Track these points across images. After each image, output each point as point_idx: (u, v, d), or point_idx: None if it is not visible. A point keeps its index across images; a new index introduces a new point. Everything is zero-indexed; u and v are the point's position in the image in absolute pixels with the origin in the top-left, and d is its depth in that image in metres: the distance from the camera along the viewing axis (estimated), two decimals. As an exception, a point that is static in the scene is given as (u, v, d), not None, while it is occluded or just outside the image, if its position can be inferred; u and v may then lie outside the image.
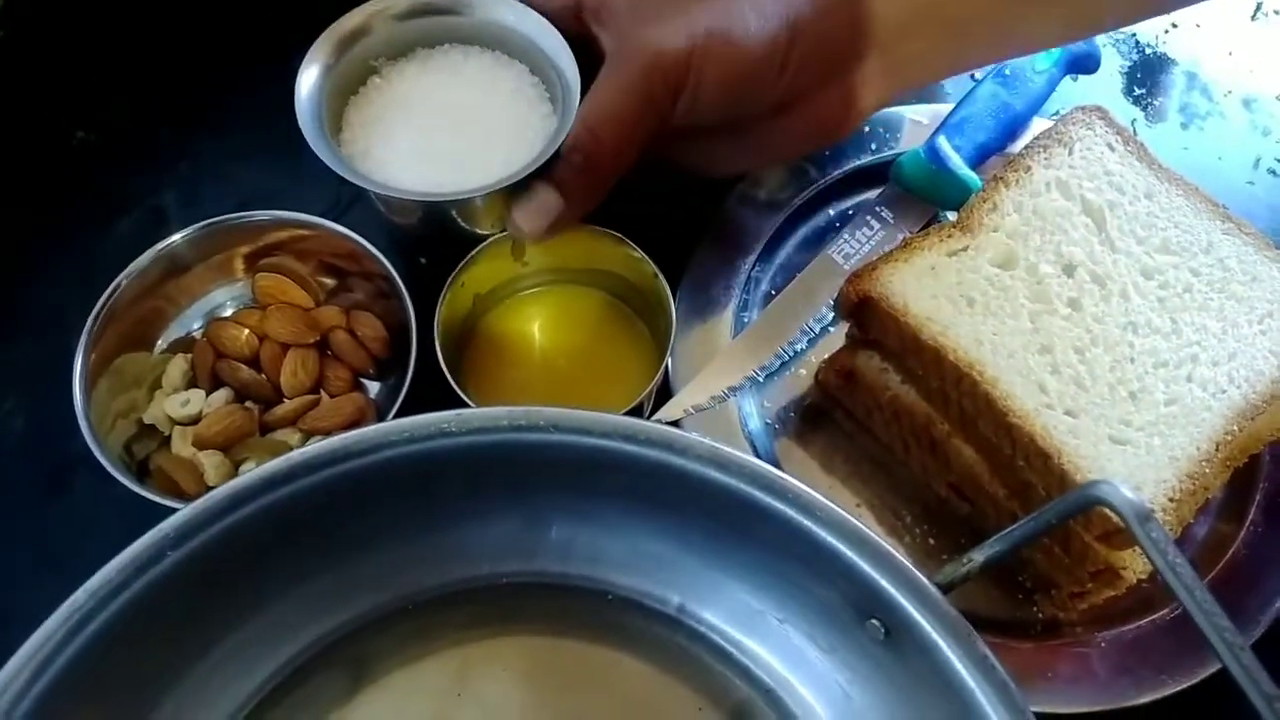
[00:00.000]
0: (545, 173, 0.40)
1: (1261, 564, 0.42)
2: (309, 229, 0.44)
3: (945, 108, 0.50)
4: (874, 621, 0.33)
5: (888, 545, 0.31)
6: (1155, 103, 0.58)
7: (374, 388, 0.45)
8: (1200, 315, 0.40)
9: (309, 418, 0.43)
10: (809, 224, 0.50)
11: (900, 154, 0.49)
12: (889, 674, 0.34)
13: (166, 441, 0.43)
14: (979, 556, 0.31)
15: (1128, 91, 0.58)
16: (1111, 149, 0.44)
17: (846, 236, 0.48)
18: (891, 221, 0.48)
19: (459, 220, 0.44)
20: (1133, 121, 0.57)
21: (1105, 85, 0.58)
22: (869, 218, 0.48)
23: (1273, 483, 0.43)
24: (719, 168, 0.45)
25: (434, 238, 0.46)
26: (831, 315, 0.47)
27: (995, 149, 0.50)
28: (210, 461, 0.42)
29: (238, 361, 0.44)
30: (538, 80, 0.44)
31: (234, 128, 0.53)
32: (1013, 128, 0.50)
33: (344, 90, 0.44)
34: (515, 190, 0.41)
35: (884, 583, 0.32)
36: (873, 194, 0.50)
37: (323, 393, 0.44)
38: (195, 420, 0.43)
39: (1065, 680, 0.40)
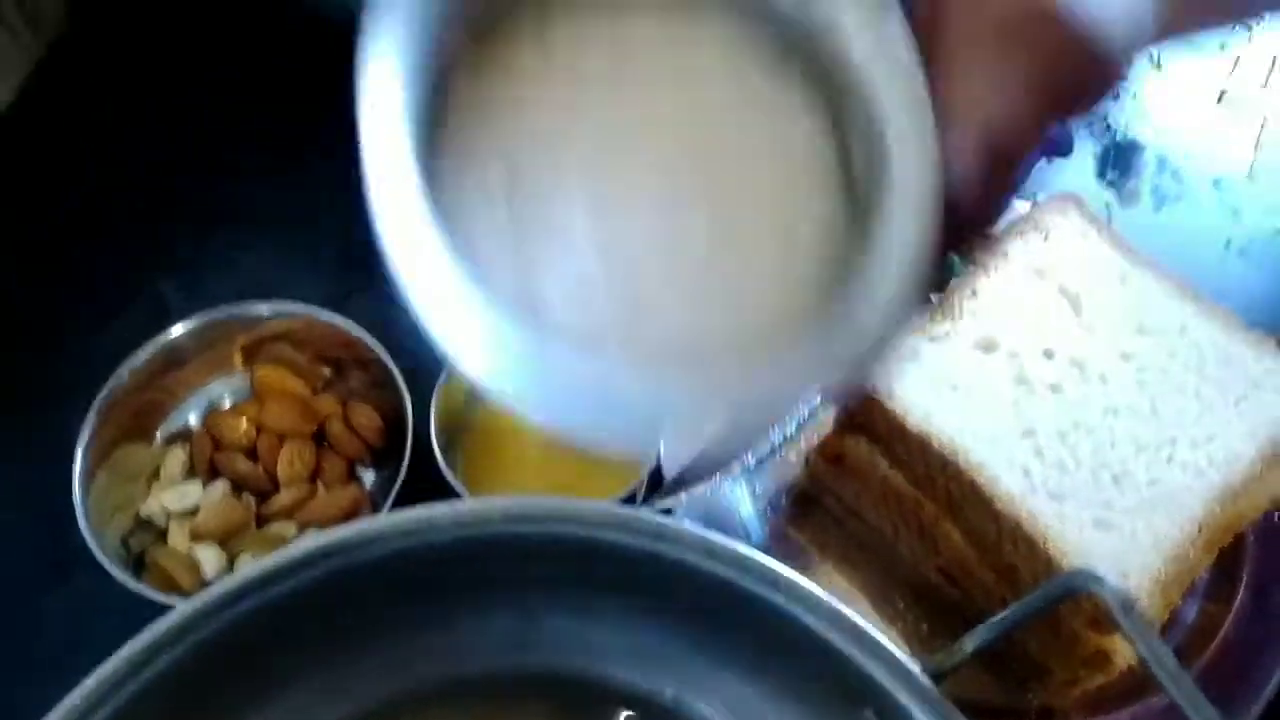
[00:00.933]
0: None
1: (1251, 649, 0.42)
2: (307, 319, 0.45)
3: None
4: (868, 712, 0.33)
5: (879, 634, 0.32)
6: (1128, 185, 0.60)
7: (370, 477, 0.46)
8: (1178, 397, 0.41)
9: (305, 510, 0.43)
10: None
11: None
12: (884, 764, 0.33)
13: (164, 535, 0.43)
14: (969, 645, 0.31)
15: (1100, 174, 0.60)
16: (1084, 236, 0.45)
17: (832, 321, 0.49)
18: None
19: None
20: (1106, 204, 0.59)
21: (1078, 167, 0.60)
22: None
23: (1258, 563, 0.44)
24: None
25: None
26: (819, 400, 0.47)
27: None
28: (206, 555, 0.42)
29: (235, 452, 0.44)
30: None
31: (238, 215, 0.54)
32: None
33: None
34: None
35: (876, 673, 0.32)
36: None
37: (319, 484, 0.45)
38: (193, 513, 0.43)
39: (1062, 766, 0.39)
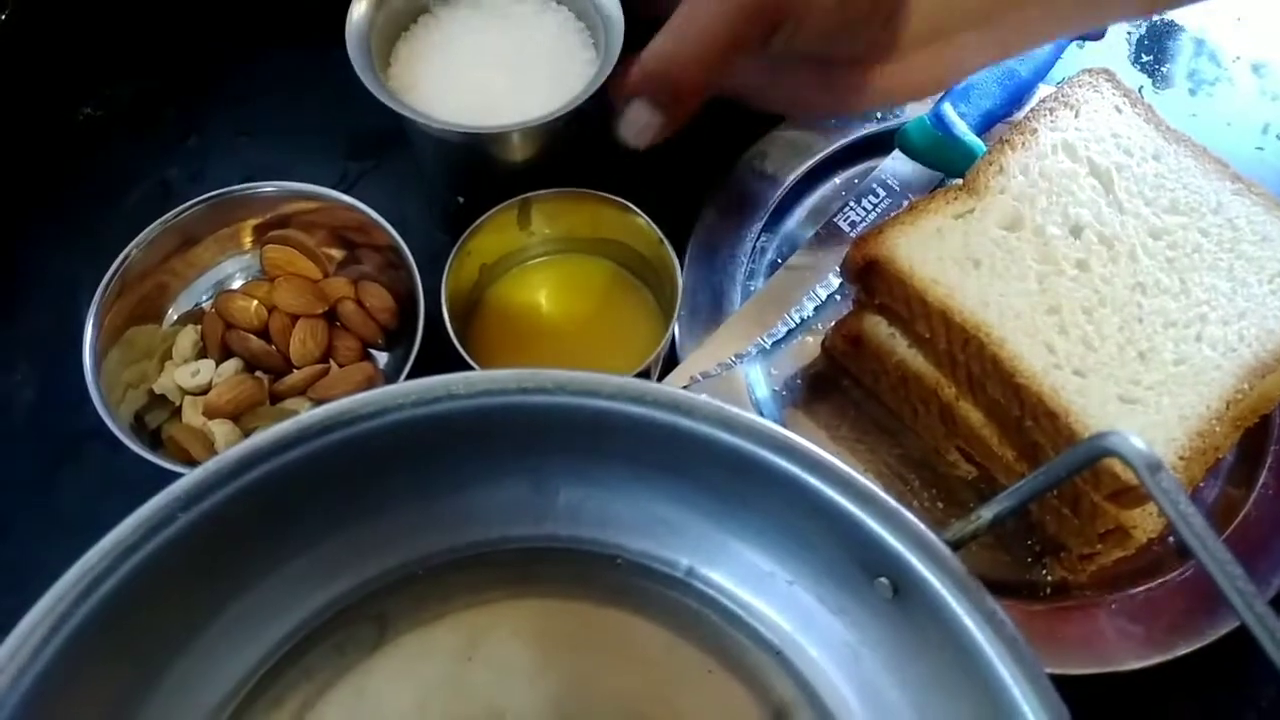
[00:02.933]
0: (582, 115, 0.40)
1: (1273, 526, 0.42)
2: (317, 201, 0.44)
3: (951, 75, 0.50)
4: (883, 580, 0.33)
5: (895, 501, 0.31)
6: (1163, 69, 0.57)
7: (382, 358, 0.45)
8: (1209, 275, 0.39)
9: (318, 386, 0.43)
10: (815, 193, 0.50)
11: (905, 122, 0.49)
12: (898, 633, 0.34)
13: (177, 412, 0.43)
14: (988, 513, 0.31)
15: (1135, 58, 0.58)
16: (1119, 111, 0.43)
17: (852, 204, 0.48)
18: (897, 189, 0.48)
19: (497, 157, 0.44)
20: (1140, 88, 0.56)
21: (1112, 52, 0.57)
22: (875, 186, 0.48)
23: (1284, 444, 0.43)
24: (800, 108, 0.44)
25: (472, 176, 0.47)
26: (838, 283, 0.46)
27: (1001, 116, 0.49)
28: (220, 430, 0.42)
29: (247, 332, 0.44)
30: (583, 26, 0.45)
31: (242, 103, 0.53)
32: (1019, 94, 0.50)
33: (395, 26, 0.45)
34: (552, 128, 0.41)
35: (892, 540, 0.32)
36: (878, 162, 0.49)
37: (332, 363, 0.45)
38: (205, 390, 0.43)
39: (1075, 642, 0.40)
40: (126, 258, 0.42)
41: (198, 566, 0.31)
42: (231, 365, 0.44)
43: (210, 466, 0.31)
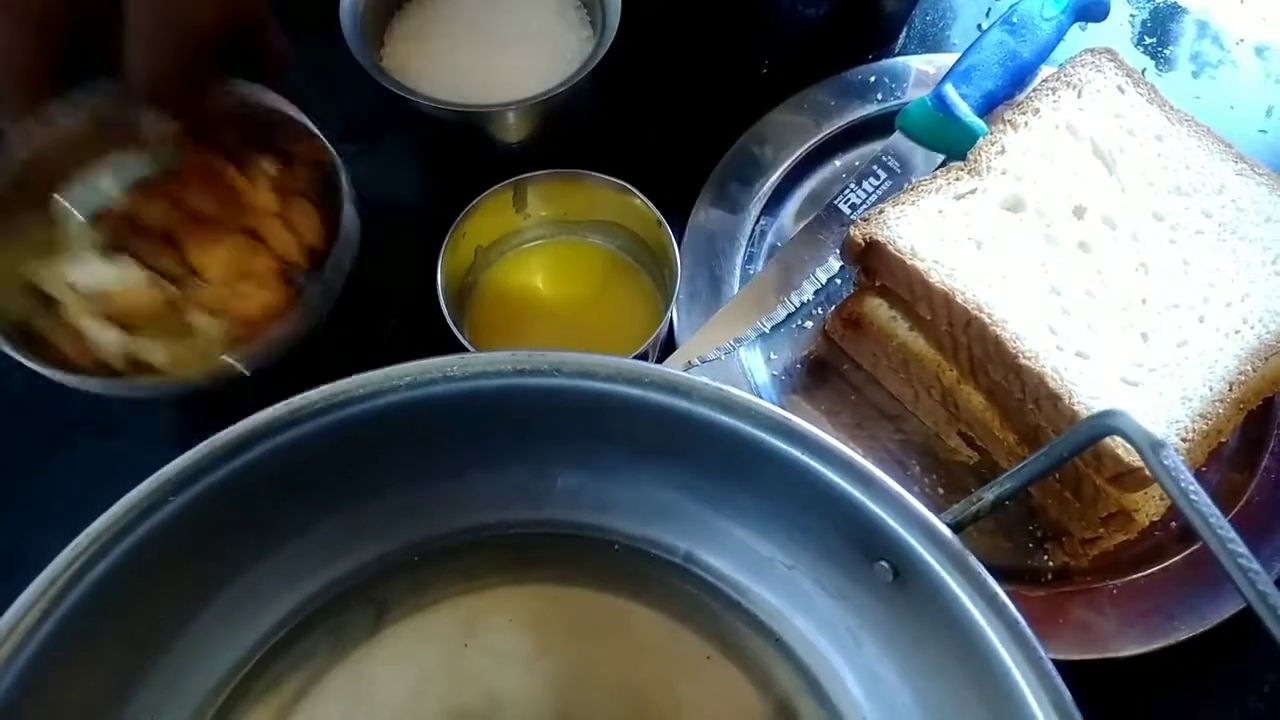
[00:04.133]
0: (579, 94, 0.41)
1: (1275, 511, 0.41)
2: (253, 99, 0.39)
3: (951, 57, 0.50)
4: (882, 563, 0.32)
5: (895, 484, 0.31)
6: (1166, 51, 0.57)
7: (302, 281, 0.40)
8: (1213, 256, 0.39)
9: (227, 306, 0.38)
10: (815, 175, 0.49)
11: (906, 104, 0.48)
12: (898, 617, 0.33)
13: (53, 308, 0.38)
14: (989, 495, 0.31)
15: (1138, 40, 0.57)
16: (1121, 91, 0.43)
17: (853, 186, 0.47)
18: (899, 171, 0.47)
19: (492, 136, 0.44)
20: (1143, 70, 0.56)
21: (1114, 34, 0.57)
22: (876, 168, 0.48)
23: (1287, 428, 0.43)
24: None
25: (467, 156, 0.47)
26: (838, 267, 0.46)
27: (1003, 97, 0.49)
28: (106, 336, 0.37)
29: (153, 237, 0.38)
30: (579, 4, 0.46)
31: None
32: (1020, 76, 0.49)
33: (389, 5, 0.45)
34: (548, 107, 0.41)
35: (892, 522, 0.31)
36: (879, 144, 0.49)
37: (246, 282, 0.39)
38: (100, 295, 0.38)
39: (1077, 628, 0.39)
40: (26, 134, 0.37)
41: (190, 550, 0.31)
42: (134, 271, 0.38)
43: (202, 450, 0.31)
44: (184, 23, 0.34)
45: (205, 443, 0.31)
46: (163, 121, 0.36)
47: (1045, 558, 0.41)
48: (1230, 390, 0.37)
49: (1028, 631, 0.30)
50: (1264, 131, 0.54)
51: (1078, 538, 0.39)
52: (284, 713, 0.34)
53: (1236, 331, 0.38)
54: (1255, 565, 0.25)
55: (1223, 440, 0.40)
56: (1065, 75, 0.43)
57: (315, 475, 0.32)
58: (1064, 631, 0.39)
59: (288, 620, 0.35)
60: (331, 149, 0.39)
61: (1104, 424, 0.27)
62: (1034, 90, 0.43)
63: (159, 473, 0.30)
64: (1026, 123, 0.42)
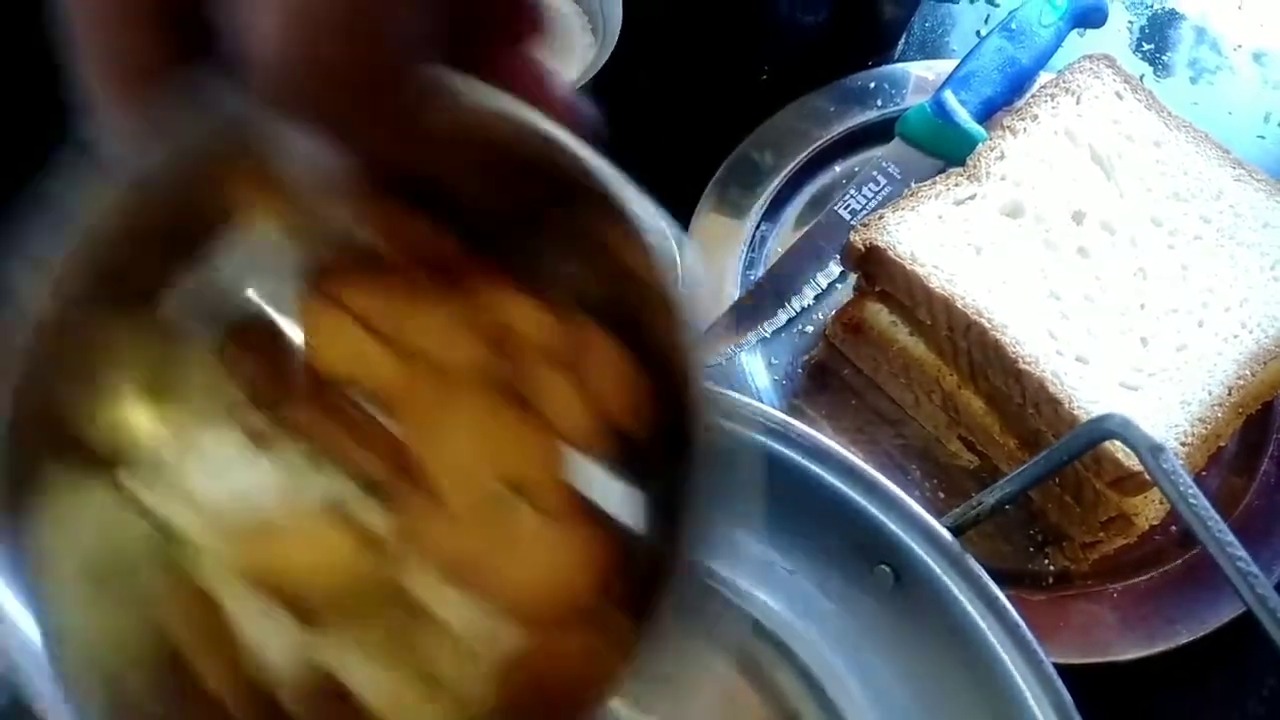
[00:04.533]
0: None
1: (1275, 515, 0.41)
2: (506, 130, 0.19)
3: (950, 64, 0.50)
4: (883, 567, 0.33)
5: (895, 488, 0.31)
6: (1164, 58, 0.57)
7: (605, 492, 0.21)
8: (1211, 261, 0.39)
9: (481, 566, 0.19)
10: (816, 181, 0.50)
11: (906, 110, 0.49)
12: (900, 621, 0.33)
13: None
14: (990, 498, 0.31)
15: (1136, 47, 0.57)
16: (1119, 97, 0.43)
17: (853, 192, 0.47)
18: (898, 177, 0.48)
19: None
20: (1141, 77, 0.56)
21: (1113, 40, 0.57)
22: (875, 174, 0.48)
23: (1286, 432, 0.43)
24: None
25: None
26: (839, 272, 0.46)
27: (1002, 103, 0.49)
28: (272, 639, 0.19)
29: (361, 398, 0.20)
30: (580, 10, 0.45)
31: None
32: (1019, 82, 0.49)
33: None
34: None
35: (893, 526, 0.31)
36: (879, 150, 0.49)
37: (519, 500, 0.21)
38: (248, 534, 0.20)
39: (1078, 631, 0.39)
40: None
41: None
42: (314, 480, 0.20)
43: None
44: None
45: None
46: (328, 159, 0.17)
47: (1046, 562, 0.41)
48: (1229, 395, 0.37)
49: (1028, 634, 0.30)
50: (1262, 137, 0.55)
51: (1078, 542, 0.40)
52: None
53: (1235, 336, 0.38)
54: (1254, 569, 0.25)
55: (1222, 445, 0.40)
56: (1064, 81, 0.44)
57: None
58: (1065, 635, 0.39)
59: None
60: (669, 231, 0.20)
61: (1103, 428, 0.28)
62: (1033, 96, 0.44)
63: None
64: (1025, 129, 0.42)
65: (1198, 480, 0.41)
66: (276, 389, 0.20)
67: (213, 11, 0.16)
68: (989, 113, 0.49)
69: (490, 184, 0.20)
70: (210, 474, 0.19)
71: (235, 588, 0.19)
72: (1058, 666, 0.38)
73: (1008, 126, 0.42)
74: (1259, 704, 0.41)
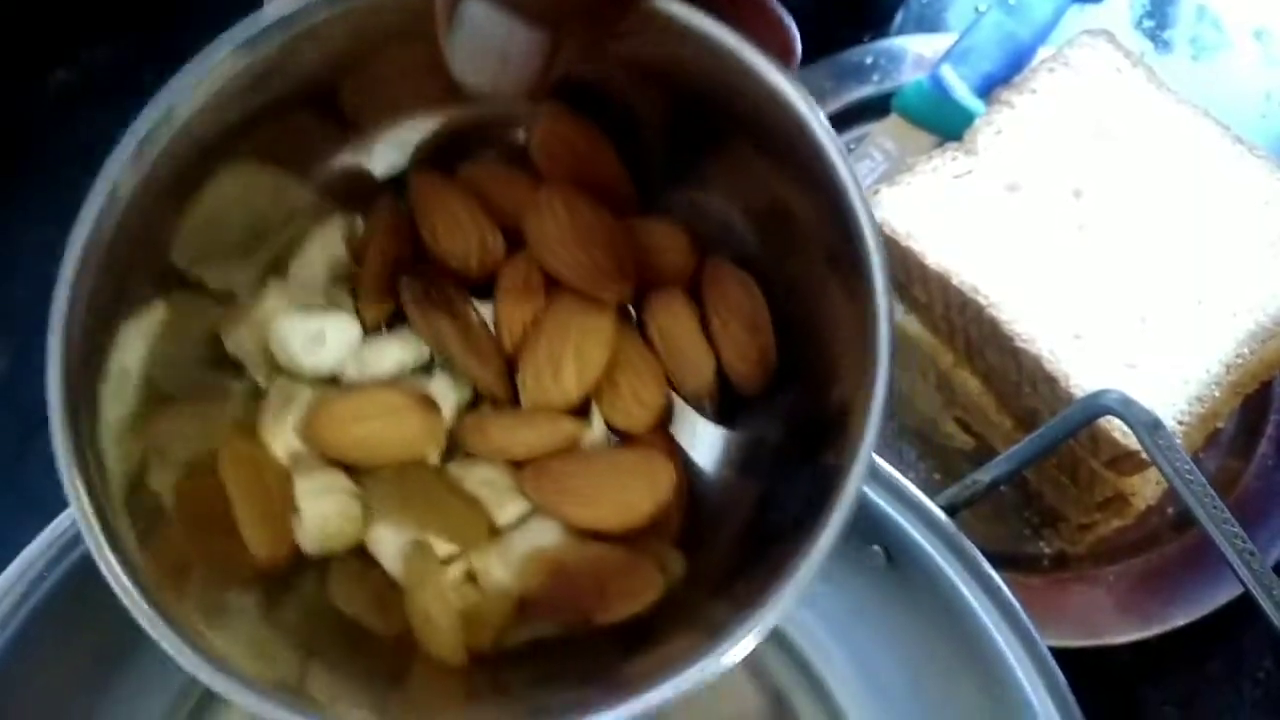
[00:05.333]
0: None
1: (1272, 496, 0.41)
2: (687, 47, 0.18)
3: (949, 38, 0.49)
4: (875, 548, 0.32)
5: (889, 466, 0.31)
6: (1165, 34, 0.56)
7: (705, 437, 0.22)
8: (1211, 239, 0.39)
9: (548, 468, 0.20)
10: (810, 158, 0.49)
11: (903, 85, 0.48)
12: (892, 602, 0.33)
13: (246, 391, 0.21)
14: (985, 476, 0.31)
15: (1137, 23, 0.57)
16: (1119, 73, 0.42)
17: (848, 169, 0.47)
18: (895, 153, 0.47)
19: None
20: (1142, 54, 0.55)
21: (1113, 16, 0.56)
22: (872, 149, 0.47)
23: (1285, 413, 0.42)
24: None
25: None
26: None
27: (1001, 79, 0.48)
28: (311, 486, 0.20)
29: (457, 281, 0.21)
30: None
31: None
32: (1018, 57, 0.49)
33: None
34: None
35: (885, 506, 0.31)
36: (875, 126, 0.48)
37: (596, 413, 0.21)
38: (329, 379, 0.21)
39: (1073, 615, 0.39)
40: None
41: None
42: (395, 353, 0.21)
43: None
44: None
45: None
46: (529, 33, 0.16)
47: (1042, 544, 0.41)
48: (1227, 373, 0.36)
49: (1022, 615, 0.30)
50: (1264, 116, 0.54)
51: (1074, 523, 0.39)
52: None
53: (1234, 314, 0.37)
54: (1251, 546, 0.25)
55: (1219, 425, 0.40)
56: (1063, 57, 0.43)
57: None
58: (1061, 618, 0.39)
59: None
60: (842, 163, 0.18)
61: (1100, 404, 0.27)
62: (1031, 71, 0.43)
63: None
64: (1024, 104, 0.41)
65: (1196, 462, 0.41)
66: (376, 263, 0.21)
67: None
68: (987, 88, 0.48)
69: (666, 104, 0.20)
70: (298, 332, 0.20)
71: (287, 435, 0.20)
72: (1053, 649, 0.38)
73: (1006, 102, 0.41)
74: (1255, 686, 0.41)
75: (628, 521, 0.20)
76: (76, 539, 0.29)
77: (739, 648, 0.17)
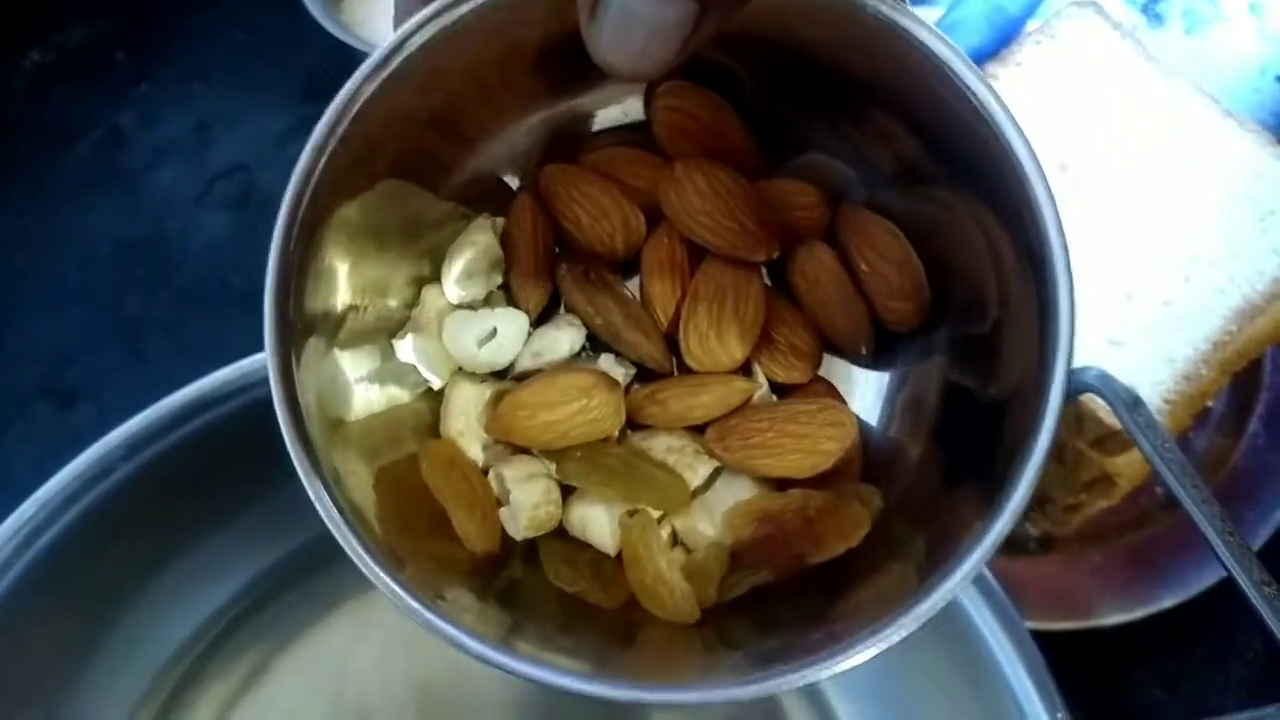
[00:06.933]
0: None
1: (1261, 475, 0.40)
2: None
3: (936, 13, 0.48)
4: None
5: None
6: (1157, 8, 0.55)
7: (861, 381, 0.23)
8: (1200, 214, 0.38)
9: (724, 428, 0.21)
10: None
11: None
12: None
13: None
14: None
15: (1129, -3, 0.56)
16: (1108, 46, 0.41)
17: (833, 147, 0.46)
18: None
19: None
20: (1134, 28, 0.54)
21: (1105, -11, 0.55)
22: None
23: (1274, 392, 0.42)
24: None
25: None
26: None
27: (988, 53, 0.47)
28: (516, 474, 0.21)
29: (606, 265, 0.22)
30: None
31: (195, 45, 0.51)
32: (1006, 31, 0.48)
33: None
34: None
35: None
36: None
37: (758, 369, 0.22)
38: (506, 375, 0.22)
39: (1060, 597, 0.39)
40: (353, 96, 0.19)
41: (142, 519, 0.30)
42: (567, 336, 0.22)
43: (150, 415, 0.30)
44: None
45: (154, 407, 0.30)
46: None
47: (1028, 526, 0.40)
48: (1215, 350, 0.36)
49: (1006, 599, 0.29)
50: (1257, 90, 0.53)
51: (1060, 504, 0.39)
52: (246, 684, 0.33)
53: (1222, 291, 0.37)
54: (1229, 524, 0.24)
55: (1208, 404, 0.39)
56: (1050, 30, 0.42)
57: (269, 442, 0.32)
58: (1048, 599, 0.38)
59: (248, 592, 0.34)
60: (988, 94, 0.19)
61: (1079, 381, 0.26)
62: (1018, 45, 0.42)
63: (106, 438, 0.29)
64: (1010, 78, 0.41)
65: (1184, 441, 0.40)
66: (528, 256, 0.22)
67: None
68: (975, 62, 0.47)
69: (772, 66, 0.21)
70: (467, 329, 0.22)
71: (475, 429, 0.21)
72: (1040, 632, 0.37)
73: (993, 76, 0.41)
74: (1243, 667, 0.40)
75: (818, 466, 0.21)
76: (46, 522, 0.28)
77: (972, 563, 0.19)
